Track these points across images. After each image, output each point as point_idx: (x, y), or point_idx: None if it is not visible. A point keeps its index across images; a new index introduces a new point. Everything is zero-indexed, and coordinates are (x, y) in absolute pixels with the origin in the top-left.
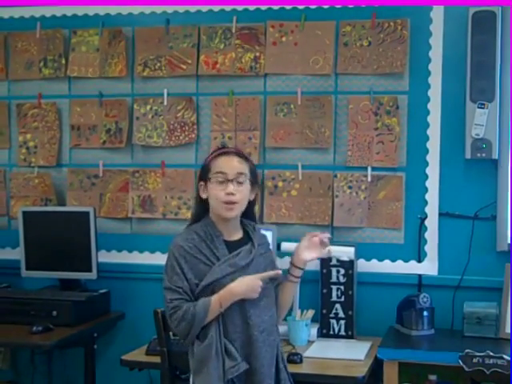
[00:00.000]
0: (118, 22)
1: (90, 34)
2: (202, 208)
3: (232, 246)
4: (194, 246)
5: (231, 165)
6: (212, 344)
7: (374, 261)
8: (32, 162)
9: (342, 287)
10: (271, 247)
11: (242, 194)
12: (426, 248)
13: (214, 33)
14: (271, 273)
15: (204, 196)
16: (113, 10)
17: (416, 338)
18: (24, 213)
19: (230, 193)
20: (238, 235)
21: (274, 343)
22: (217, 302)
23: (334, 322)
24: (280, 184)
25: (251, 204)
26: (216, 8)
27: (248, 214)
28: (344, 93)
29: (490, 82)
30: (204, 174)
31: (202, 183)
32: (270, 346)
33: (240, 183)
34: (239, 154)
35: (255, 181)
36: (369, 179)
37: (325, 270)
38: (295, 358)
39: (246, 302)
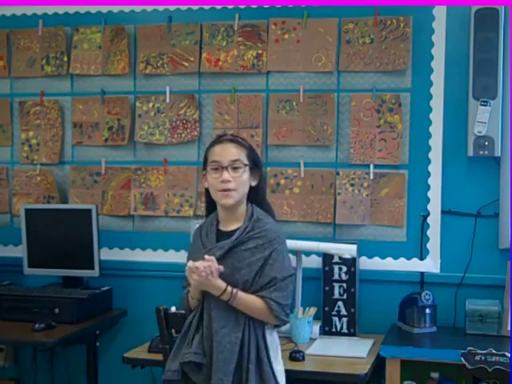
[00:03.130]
0: (121, 19)
1: (92, 31)
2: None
3: (223, 236)
4: (195, 233)
5: (225, 152)
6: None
7: (377, 258)
8: (34, 159)
9: (345, 285)
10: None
11: (239, 180)
12: (429, 246)
13: (217, 30)
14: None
15: (206, 185)
16: (115, 7)
17: (418, 336)
18: (26, 210)
19: (226, 180)
20: (237, 225)
21: (235, 341)
22: (190, 293)
23: (336, 319)
24: (282, 181)
25: (256, 189)
26: (218, 5)
27: (254, 200)
28: (346, 90)
29: (493, 80)
30: (204, 164)
31: (204, 173)
32: (230, 343)
33: (235, 169)
34: (234, 141)
35: (255, 165)
36: (371, 177)
37: (327, 268)
38: (297, 355)
39: (211, 296)
